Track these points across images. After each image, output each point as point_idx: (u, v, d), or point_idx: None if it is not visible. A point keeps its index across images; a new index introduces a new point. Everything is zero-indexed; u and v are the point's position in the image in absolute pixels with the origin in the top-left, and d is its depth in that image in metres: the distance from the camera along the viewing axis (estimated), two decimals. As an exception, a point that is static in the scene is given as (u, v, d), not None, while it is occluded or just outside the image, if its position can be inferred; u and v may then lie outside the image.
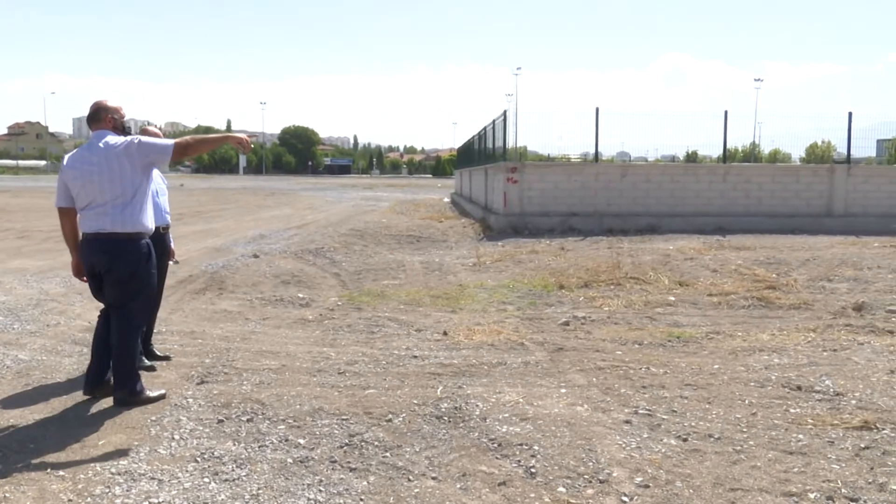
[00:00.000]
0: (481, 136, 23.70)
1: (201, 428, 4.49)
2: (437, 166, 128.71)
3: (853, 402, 5.07)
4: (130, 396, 4.88)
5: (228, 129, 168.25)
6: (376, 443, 4.24)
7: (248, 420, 4.62)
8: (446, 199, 33.76)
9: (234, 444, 4.22)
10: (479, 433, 4.39)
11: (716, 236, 15.00)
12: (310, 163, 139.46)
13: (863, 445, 4.24)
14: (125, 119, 5.07)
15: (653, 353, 6.56)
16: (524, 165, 16.96)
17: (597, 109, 16.90)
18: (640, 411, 4.83)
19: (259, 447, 4.18)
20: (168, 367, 5.92)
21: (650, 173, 17.20)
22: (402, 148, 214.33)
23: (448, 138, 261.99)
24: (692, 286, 9.66)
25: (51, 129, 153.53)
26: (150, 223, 4.98)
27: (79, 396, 5.11)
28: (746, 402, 5.07)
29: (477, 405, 4.88)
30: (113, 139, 4.83)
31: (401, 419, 4.63)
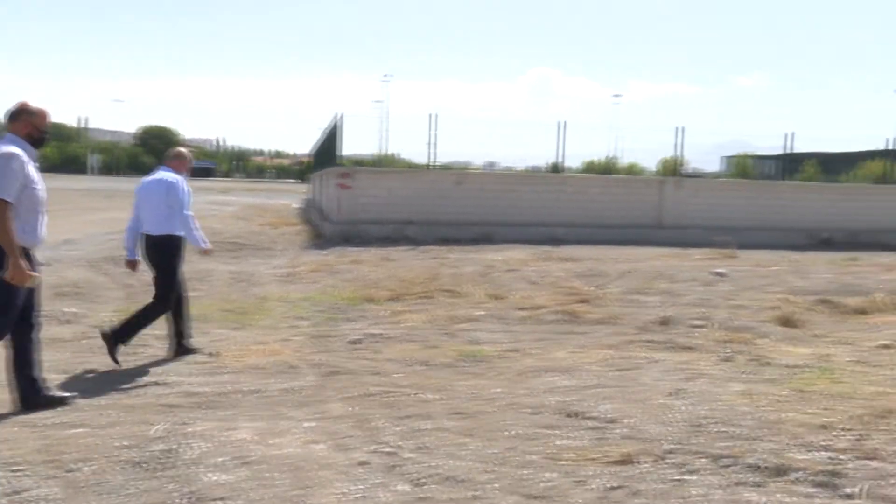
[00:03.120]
0: (326, 140, 22.93)
1: None
2: (302, 171, 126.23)
3: (623, 430, 4.69)
4: None
5: (85, 126, 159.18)
6: (41, 503, 3.45)
7: None
8: (296, 205, 32.68)
9: None
10: (180, 484, 3.68)
11: (546, 247, 14.86)
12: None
13: (613, 485, 3.82)
14: (44, 127, 4.80)
15: (436, 375, 6.05)
16: (357, 171, 16.37)
17: (431, 115, 16.67)
18: (386, 449, 4.26)
19: None
20: None
21: (485, 182, 16.97)
22: (269, 152, 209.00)
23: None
24: (505, 299, 9.31)
25: None
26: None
27: None
28: (512, 433, 4.60)
29: (196, 446, 4.16)
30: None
31: (91, 468, 3.84)
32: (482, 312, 8.52)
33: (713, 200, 18.22)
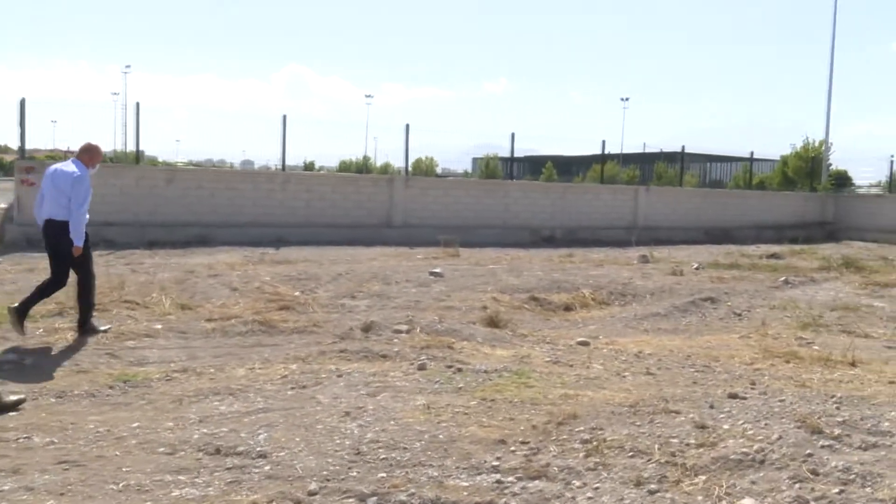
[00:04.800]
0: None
1: None
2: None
3: (269, 468, 3.93)
4: None
5: None
6: None
7: None
8: (2, 205, 28.79)
9: None
10: None
11: (263, 249, 13.83)
12: None
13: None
14: None
15: (67, 409, 4.96)
16: (43, 165, 14.31)
17: (136, 104, 14.95)
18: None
19: None
20: None
21: (202, 179, 15.61)
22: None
23: (48, 138, 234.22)
24: (196, 309, 8.28)
25: None
26: None
27: None
28: (123, 484, 3.67)
29: None
30: None
31: None
32: (160, 326, 7.43)
33: (443, 199, 18.20)
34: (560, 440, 4.54)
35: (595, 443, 4.45)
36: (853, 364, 7.07)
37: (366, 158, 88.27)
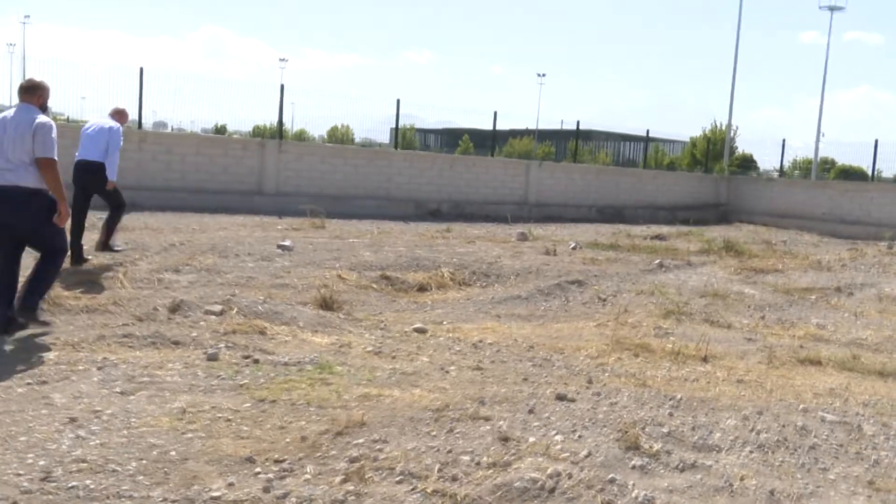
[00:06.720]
0: None
1: None
2: None
3: None
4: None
5: None
6: None
7: None
8: None
9: None
10: None
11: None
12: None
13: None
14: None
15: None
16: None
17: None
18: None
19: None
20: None
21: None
22: None
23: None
24: None
25: None
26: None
27: None
28: None
29: None
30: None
31: None
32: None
33: (321, 167, 17.05)
34: (325, 458, 3.73)
35: (363, 462, 3.64)
36: (705, 359, 6.51)
37: (280, 124, 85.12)
